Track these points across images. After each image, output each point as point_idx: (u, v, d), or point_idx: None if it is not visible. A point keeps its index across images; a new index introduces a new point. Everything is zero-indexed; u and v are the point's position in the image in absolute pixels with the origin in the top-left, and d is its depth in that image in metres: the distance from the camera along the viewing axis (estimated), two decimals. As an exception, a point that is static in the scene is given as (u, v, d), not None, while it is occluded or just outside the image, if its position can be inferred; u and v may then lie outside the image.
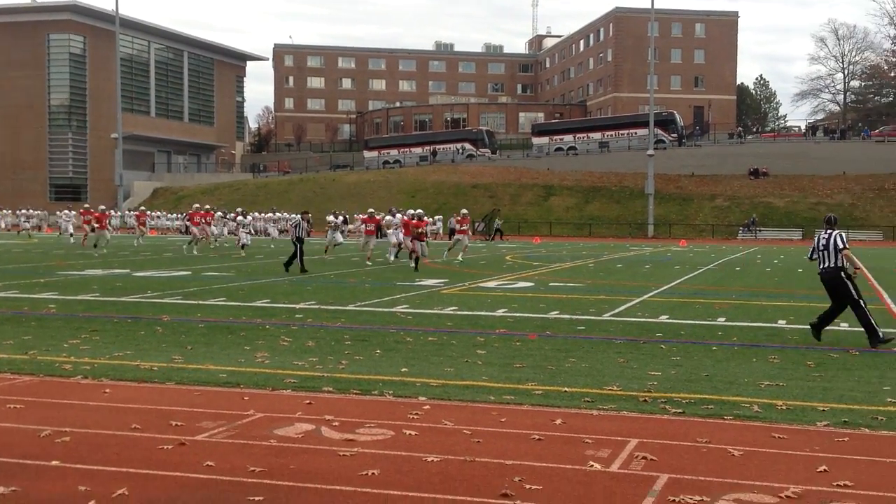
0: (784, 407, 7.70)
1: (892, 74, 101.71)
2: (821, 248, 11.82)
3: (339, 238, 32.21)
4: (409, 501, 5.13)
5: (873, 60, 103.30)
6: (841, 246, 11.63)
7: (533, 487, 5.37)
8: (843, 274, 11.68)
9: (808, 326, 11.90)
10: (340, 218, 34.12)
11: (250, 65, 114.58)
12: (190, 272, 23.91)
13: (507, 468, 5.78)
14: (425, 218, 30.55)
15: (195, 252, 33.15)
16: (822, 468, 5.80)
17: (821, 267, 11.88)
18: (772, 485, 5.45)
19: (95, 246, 35.69)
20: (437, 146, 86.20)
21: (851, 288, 11.59)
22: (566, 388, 8.43)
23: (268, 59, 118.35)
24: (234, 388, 8.43)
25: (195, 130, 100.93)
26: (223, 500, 5.12)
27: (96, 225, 36.86)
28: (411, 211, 28.77)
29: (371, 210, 31.09)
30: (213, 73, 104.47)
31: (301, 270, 23.54)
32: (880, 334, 11.32)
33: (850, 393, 8.35)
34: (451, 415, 7.34)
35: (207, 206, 37.81)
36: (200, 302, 16.16)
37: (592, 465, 5.86)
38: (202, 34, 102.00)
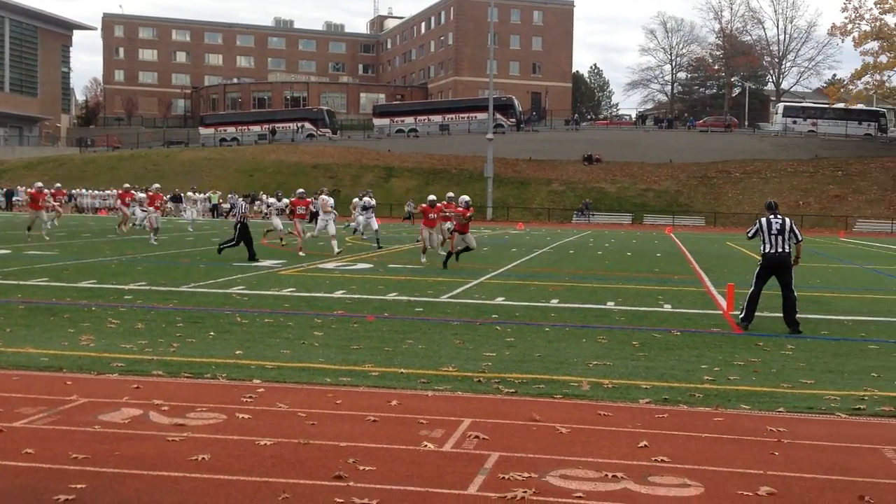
0: (610, 385, 8.01)
1: (717, 67, 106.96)
2: (774, 231, 11.96)
3: (279, 224, 27.03)
4: (240, 486, 5.05)
5: (699, 53, 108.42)
6: (800, 238, 12.06)
7: (366, 469, 5.39)
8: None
9: (784, 325, 11.86)
10: (284, 200, 29.15)
11: (78, 34, 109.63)
12: (10, 250, 22.66)
13: (341, 450, 5.78)
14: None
15: (123, 231, 31.18)
16: (642, 444, 6.07)
17: (772, 250, 11.95)
18: (596, 460, 5.66)
19: (29, 229, 28.13)
20: (277, 125, 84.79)
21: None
22: (402, 370, 8.49)
23: (96, 29, 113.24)
24: (56, 372, 8.06)
25: (16, 101, 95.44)
26: (43, 489, 4.90)
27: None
28: (466, 197, 22.02)
29: (301, 191, 26.55)
30: (37, 41, 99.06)
31: (251, 257, 21.12)
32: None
33: (671, 371, 8.76)
34: (286, 397, 7.26)
35: (157, 185, 31.03)
36: (20, 282, 15.35)
37: (426, 445, 5.93)
38: (25, 0, 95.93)
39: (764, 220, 12.09)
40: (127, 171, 71.18)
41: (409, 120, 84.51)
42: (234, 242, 21.64)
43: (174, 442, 5.88)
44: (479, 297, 14.96)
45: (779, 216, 12.06)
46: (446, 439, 6.10)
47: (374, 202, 29.43)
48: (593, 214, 64.24)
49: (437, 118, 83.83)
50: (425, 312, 12.80)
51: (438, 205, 22.33)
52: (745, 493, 5.10)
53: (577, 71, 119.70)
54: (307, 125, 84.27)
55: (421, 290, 15.64)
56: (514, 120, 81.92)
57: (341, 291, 15.12)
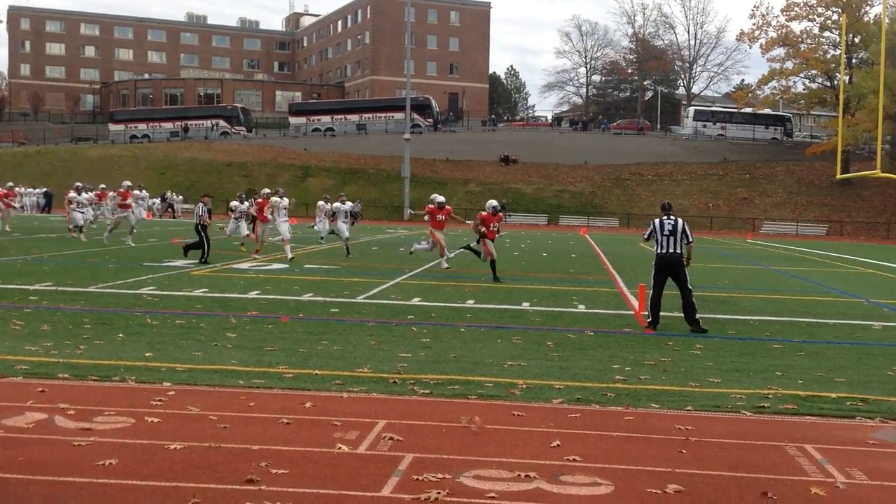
0: (524, 385, 8.08)
1: (630, 71, 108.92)
2: (667, 232, 12.17)
3: (244, 229, 25.46)
4: (149, 491, 4.95)
5: (613, 57, 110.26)
6: (691, 239, 12.28)
7: (279, 472, 5.33)
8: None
9: (688, 326, 12.10)
10: (246, 204, 26.79)
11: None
12: None
13: (253, 453, 5.71)
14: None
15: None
16: (555, 443, 6.14)
17: (666, 250, 12.17)
18: (509, 460, 5.71)
19: None
20: (190, 122, 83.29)
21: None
22: (317, 371, 8.43)
23: (2, 22, 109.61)
24: (-44, 377, 7.78)
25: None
26: (-61, 500, 4.72)
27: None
28: (493, 202, 19.89)
29: (266, 190, 25.31)
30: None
31: (203, 259, 20.65)
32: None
33: (584, 371, 8.88)
34: (197, 400, 7.14)
35: (103, 186, 30.02)
36: (-81, 283, 14.78)
37: (340, 448, 5.90)
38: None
39: (657, 221, 12.33)
40: (33, 168, 69.15)
41: (326, 119, 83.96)
42: (198, 244, 21.21)
43: (81, 447, 5.73)
44: (396, 297, 14.95)
45: (672, 217, 12.31)
46: (360, 441, 6.08)
47: (348, 206, 26.21)
48: (510, 215, 64.76)
49: (355, 117, 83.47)
50: (341, 313, 12.73)
51: (447, 207, 20.94)
52: (653, 490, 5.20)
53: (494, 72, 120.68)
54: (221, 123, 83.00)
55: (337, 291, 15.55)
56: (431, 120, 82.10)
57: (256, 292, 14.94)
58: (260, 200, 24.00)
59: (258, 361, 8.85)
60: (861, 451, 6.22)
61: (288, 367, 8.57)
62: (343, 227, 25.15)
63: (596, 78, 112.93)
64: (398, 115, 76.22)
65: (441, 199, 21.17)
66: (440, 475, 5.35)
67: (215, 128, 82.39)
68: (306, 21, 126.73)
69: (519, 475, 5.40)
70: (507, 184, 70.50)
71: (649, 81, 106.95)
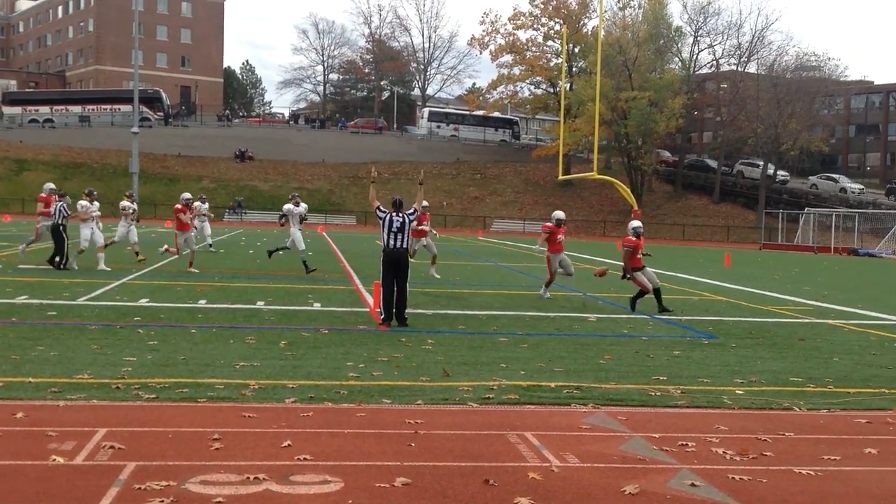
0: (256, 386, 7.95)
1: (367, 71, 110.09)
2: (395, 229, 12.40)
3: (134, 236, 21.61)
4: None
5: (350, 56, 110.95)
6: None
7: (-16, 491, 4.92)
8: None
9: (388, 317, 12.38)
10: (207, 204, 24.42)
11: None
12: None
13: (-47, 472, 5.23)
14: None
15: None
16: (286, 443, 6.08)
17: (394, 246, 12.40)
18: (239, 463, 5.59)
19: None
20: None
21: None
22: (31, 379, 7.86)
23: None
24: None
25: None
26: None
27: None
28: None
29: (187, 195, 21.58)
30: None
31: (59, 265, 18.80)
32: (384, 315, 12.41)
33: (318, 370, 8.87)
34: None
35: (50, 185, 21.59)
36: None
37: (55, 459, 5.54)
38: None
39: (387, 216, 12.63)
40: None
41: (45, 109, 78.65)
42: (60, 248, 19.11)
43: None
44: (122, 298, 14.25)
45: (401, 214, 12.66)
46: (78, 451, 5.73)
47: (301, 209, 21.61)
48: (245, 212, 63.65)
49: (77, 109, 78.75)
50: (59, 316, 11.96)
51: (550, 224, 17.33)
52: (382, 485, 5.27)
53: (230, 66, 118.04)
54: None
55: (55, 293, 14.59)
56: (161, 114, 79.06)
57: (-38, 295, 13.73)
58: (179, 206, 21.03)
59: (-38, 371, 8.13)
60: (574, 436, 6.63)
61: (-3, 376, 7.94)
62: (299, 235, 20.91)
63: (333, 76, 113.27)
64: (126, 108, 72.64)
65: (561, 215, 17.66)
66: (164, 483, 5.14)
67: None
68: (23, 5, 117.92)
69: (248, 478, 5.30)
70: (243, 181, 69.27)
71: (386, 82, 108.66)
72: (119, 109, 76.44)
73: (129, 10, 78.53)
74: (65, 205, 19.54)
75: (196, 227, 23.05)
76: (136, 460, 5.58)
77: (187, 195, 21.54)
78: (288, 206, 21.22)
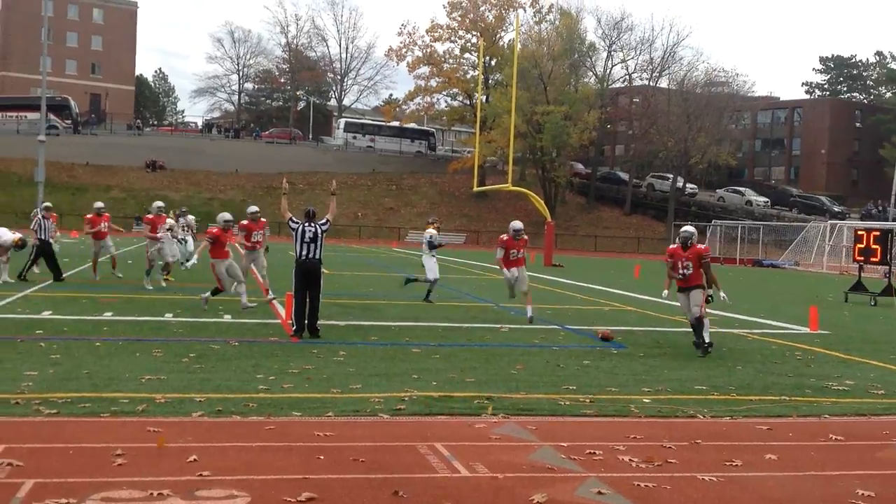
0: (163, 400, 7.79)
1: (283, 81, 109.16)
2: (307, 239, 12.37)
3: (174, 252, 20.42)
4: None
5: (266, 65, 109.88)
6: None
7: None
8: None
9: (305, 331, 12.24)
10: (191, 218, 23.02)
11: None
12: None
13: None
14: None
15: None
16: (192, 458, 5.97)
17: (306, 256, 12.37)
18: (143, 479, 5.47)
19: None
20: None
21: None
22: (-76, 396, 7.57)
23: None
24: None
25: None
26: None
27: None
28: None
29: (159, 204, 20.23)
30: None
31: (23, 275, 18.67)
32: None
33: (227, 382, 8.74)
34: None
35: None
36: None
37: (-52, 479, 5.34)
38: None
39: (300, 227, 12.56)
40: None
41: (-57, 116, 75.96)
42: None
43: None
44: (23, 311, 13.84)
45: (313, 224, 12.61)
46: (-28, 470, 5.54)
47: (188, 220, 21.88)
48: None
49: (-21, 115, 76.24)
50: (-43, 330, 11.55)
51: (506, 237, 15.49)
52: (288, 499, 5.21)
53: (141, 74, 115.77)
54: None
55: (-46, 306, 14.09)
56: (70, 122, 77.06)
57: None
58: (150, 217, 19.74)
59: None
60: (484, 446, 6.67)
61: None
62: (173, 249, 20.08)
63: (249, 86, 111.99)
64: (32, 115, 70.44)
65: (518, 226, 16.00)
66: (64, 500, 5.00)
67: None
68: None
69: (152, 494, 5.19)
70: (154, 190, 67.88)
71: (302, 91, 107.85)
72: (25, 117, 74.19)
73: (39, 15, 76.31)
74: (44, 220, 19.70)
75: (182, 241, 22.14)
76: (36, 477, 5.42)
77: (227, 215, 16.92)
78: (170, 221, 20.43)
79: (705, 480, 6.01)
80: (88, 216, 20.75)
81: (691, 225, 12.67)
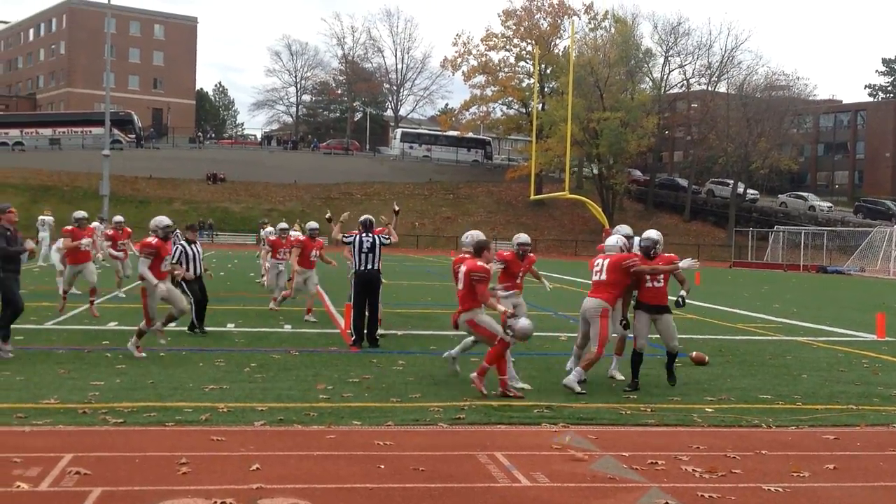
0: (225, 409, 7.90)
1: (340, 92, 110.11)
2: (365, 250, 12.39)
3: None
4: None
5: (323, 77, 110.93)
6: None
7: (-55, 519, 4.85)
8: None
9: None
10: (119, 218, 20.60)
11: None
12: None
13: (-86, 501, 5.15)
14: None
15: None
16: (255, 467, 6.04)
17: (365, 267, 12.38)
18: (206, 488, 5.54)
19: None
20: None
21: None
22: (-4, 405, 7.77)
23: None
24: None
25: None
26: None
27: None
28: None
29: (119, 218, 19.73)
30: None
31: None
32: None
33: (288, 392, 8.82)
34: None
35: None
36: None
37: (20, 486, 5.47)
38: None
39: (355, 238, 12.58)
40: None
41: (15, 132, 77.79)
42: None
43: None
44: (90, 322, 14.13)
45: (370, 235, 12.63)
46: (43, 477, 5.67)
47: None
48: (217, 234, 63.35)
49: (48, 131, 78.00)
50: (26, 341, 11.83)
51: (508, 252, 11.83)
52: (351, 507, 5.25)
53: (202, 88, 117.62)
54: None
55: (22, 317, 14.38)
56: (133, 136, 78.57)
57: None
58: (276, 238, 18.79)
59: (-74, 397, 8.01)
60: (544, 456, 6.63)
61: (-38, 403, 7.83)
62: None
63: (306, 98, 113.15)
64: (97, 130, 72.05)
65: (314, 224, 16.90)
66: (130, 508, 5.10)
67: None
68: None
69: (215, 502, 5.26)
70: (215, 202, 68.97)
71: (359, 103, 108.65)
72: (90, 132, 75.84)
73: (101, 32, 78.03)
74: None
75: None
76: (103, 486, 5.53)
77: (313, 224, 17.25)
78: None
79: (770, 491, 5.90)
80: (68, 228, 16.71)
81: (654, 230, 10.63)
